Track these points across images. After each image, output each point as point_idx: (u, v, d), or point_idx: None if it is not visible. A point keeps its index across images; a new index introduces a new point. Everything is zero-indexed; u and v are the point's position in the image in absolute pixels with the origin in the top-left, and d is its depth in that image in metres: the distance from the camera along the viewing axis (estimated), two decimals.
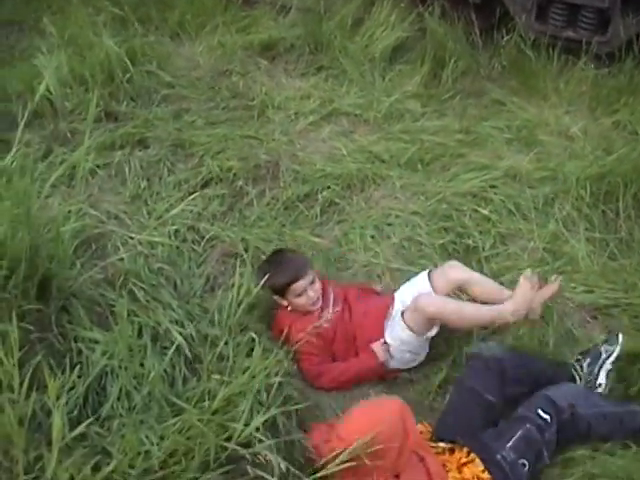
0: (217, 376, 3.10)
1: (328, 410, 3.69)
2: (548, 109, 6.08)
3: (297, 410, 3.31)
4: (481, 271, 4.32)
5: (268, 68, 6.43)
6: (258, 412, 2.97)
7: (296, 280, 3.83)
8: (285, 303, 3.85)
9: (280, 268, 3.83)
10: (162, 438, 2.75)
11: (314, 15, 6.83)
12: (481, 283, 4.07)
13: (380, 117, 5.74)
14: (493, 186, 4.97)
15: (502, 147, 5.51)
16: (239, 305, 3.70)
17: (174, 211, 4.38)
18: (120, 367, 3.09)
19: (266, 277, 3.68)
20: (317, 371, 3.75)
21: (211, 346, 3.42)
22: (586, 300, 4.30)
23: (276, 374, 3.27)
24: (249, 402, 2.98)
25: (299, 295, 3.86)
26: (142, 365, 3.12)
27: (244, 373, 3.13)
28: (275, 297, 3.90)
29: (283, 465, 2.81)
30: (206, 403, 2.95)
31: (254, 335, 3.48)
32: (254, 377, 3.12)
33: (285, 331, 3.58)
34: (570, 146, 5.57)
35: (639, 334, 4.06)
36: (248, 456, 2.80)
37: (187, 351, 3.33)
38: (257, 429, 2.88)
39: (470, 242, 4.59)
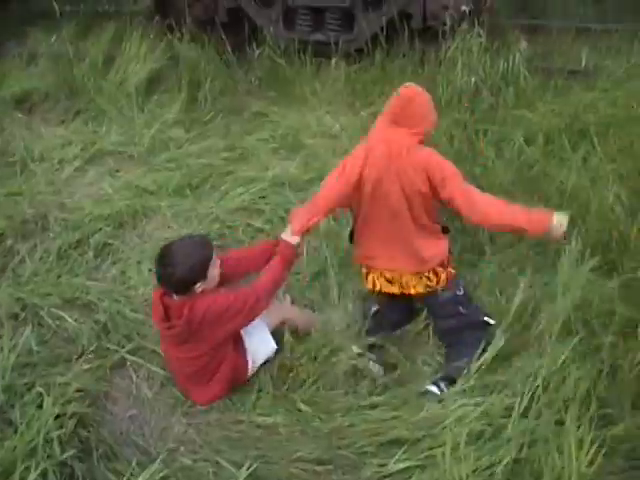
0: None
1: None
2: (309, 112, 6.25)
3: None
4: None
5: (25, 121, 6.29)
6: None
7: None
8: (200, 288, 3.45)
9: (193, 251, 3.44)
10: None
11: (64, 60, 6.73)
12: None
13: (144, 150, 5.72)
14: (262, 197, 5.06)
15: (269, 157, 5.61)
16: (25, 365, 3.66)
17: None
18: None
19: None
20: (249, 304, 3.49)
21: None
22: None
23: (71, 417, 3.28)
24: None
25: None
26: None
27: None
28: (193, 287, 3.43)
29: None
30: None
31: (41, 389, 3.41)
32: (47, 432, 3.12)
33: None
34: (334, 144, 5.74)
35: None
36: None
37: None
38: None
39: None
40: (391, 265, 3.79)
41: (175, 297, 3.43)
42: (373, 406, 3.51)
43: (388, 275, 3.81)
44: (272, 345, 3.75)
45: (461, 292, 3.85)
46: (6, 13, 8.80)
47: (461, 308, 3.82)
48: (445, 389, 3.58)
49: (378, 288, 3.86)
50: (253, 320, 3.59)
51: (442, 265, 3.78)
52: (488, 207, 3.52)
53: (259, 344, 3.72)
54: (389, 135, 3.63)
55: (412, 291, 3.79)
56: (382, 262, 3.81)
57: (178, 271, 3.32)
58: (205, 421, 3.54)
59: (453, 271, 3.85)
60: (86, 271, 4.50)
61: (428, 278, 3.76)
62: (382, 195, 3.63)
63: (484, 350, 3.65)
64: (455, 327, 3.81)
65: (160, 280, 3.42)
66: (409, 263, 3.74)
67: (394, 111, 3.65)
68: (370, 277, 3.89)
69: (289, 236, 3.68)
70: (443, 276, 3.77)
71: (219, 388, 3.62)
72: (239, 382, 3.69)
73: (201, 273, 3.40)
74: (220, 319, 3.44)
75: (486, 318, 3.83)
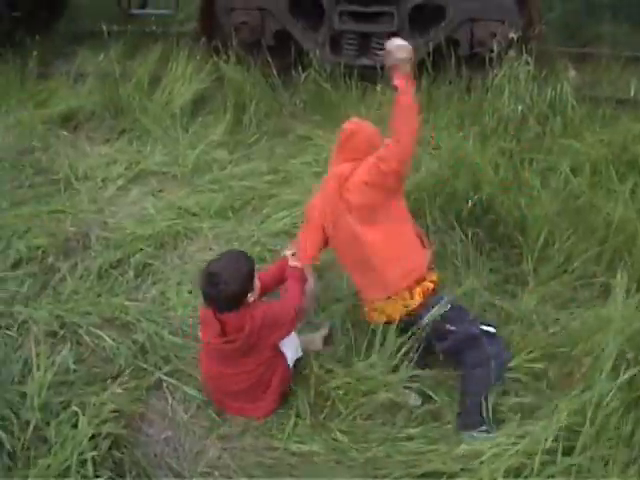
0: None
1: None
2: None
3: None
4: None
5: (70, 139, 6.35)
6: None
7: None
8: (251, 298, 3.52)
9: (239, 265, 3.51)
10: None
11: (111, 80, 6.80)
12: None
13: (188, 171, 5.73)
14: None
15: (312, 181, 5.57)
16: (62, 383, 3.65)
17: None
18: None
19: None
20: (291, 315, 3.60)
21: (34, 430, 3.31)
22: None
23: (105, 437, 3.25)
24: None
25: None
26: None
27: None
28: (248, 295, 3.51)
29: None
30: None
31: (76, 409, 3.39)
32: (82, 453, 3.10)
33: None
34: None
35: None
36: None
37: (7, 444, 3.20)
38: None
39: None
40: (366, 295, 3.79)
41: (227, 313, 3.44)
42: (409, 438, 3.45)
43: (373, 305, 3.77)
44: (300, 350, 3.78)
45: (447, 308, 3.66)
46: (55, 32, 8.97)
47: (449, 326, 3.62)
48: (479, 435, 3.44)
49: (375, 320, 3.79)
50: (293, 330, 3.68)
51: (417, 282, 3.68)
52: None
53: (291, 350, 3.72)
54: (337, 170, 3.74)
55: (397, 317, 3.69)
56: (363, 294, 3.83)
57: (231, 287, 3.36)
58: (240, 446, 3.49)
59: (430, 285, 3.72)
60: (126, 291, 4.49)
61: (403, 298, 3.68)
62: (341, 228, 3.70)
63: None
64: (452, 347, 3.64)
65: (210, 299, 3.44)
66: (377, 290, 3.70)
67: (339, 146, 3.82)
68: (364, 310, 3.87)
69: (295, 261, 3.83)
70: (417, 293, 3.67)
71: (273, 399, 3.63)
72: (286, 390, 3.70)
73: (250, 284, 3.46)
74: (274, 326, 3.52)
75: (485, 327, 3.64)
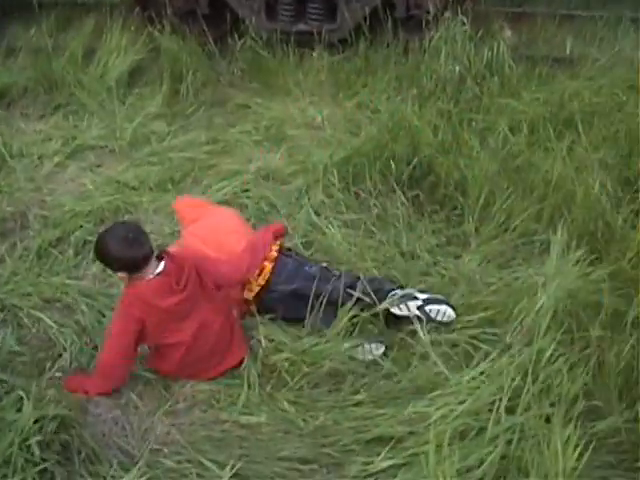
0: None
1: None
2: (292, 103, 6.18)
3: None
4: None
5: (4, 116, 6.17)
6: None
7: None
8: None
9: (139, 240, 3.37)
10: None
11: (43, 54, 6.62)
12: None
13: (126, 144, 5.63)
14: (246, 190, 5.00)
15: (252, 150, 5.55)
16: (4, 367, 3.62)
17: None
18: None
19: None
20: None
21: None
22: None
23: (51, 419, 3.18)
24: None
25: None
26: None
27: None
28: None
29: None
30: None
31: (21, 393, 3.31)
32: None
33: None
34: (317, 135, 5.70)
35: None
36: None
37: None
38: None
39: None
40: None
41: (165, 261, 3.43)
42: (357, 404, 3.48)
43: None
44: None
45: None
46: None
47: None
48: None
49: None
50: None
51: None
52: None
53: None
54: None
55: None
56: None
57: (149, 239, 3.39)
58: (188, 421, 3.49)
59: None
60: (66, 269, 4.41)
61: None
62: None
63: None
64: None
65: (145, 257, 3.34)
66: None
67: None
68: None
69: None
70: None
71: (240, 336, 3.78)
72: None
73: None
74: (205, 259, 3.63)
75: None
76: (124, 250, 3.29)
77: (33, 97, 6.40)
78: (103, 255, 3.38)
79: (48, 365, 3.73)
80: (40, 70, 6.49)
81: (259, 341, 3.72)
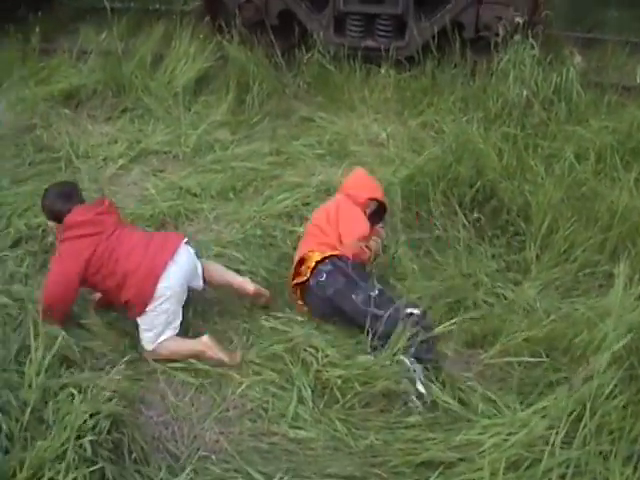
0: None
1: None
2: (356, 119, 6.20)
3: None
4: None
5: (72, 117, 6.28)
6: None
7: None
8: None
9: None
10: None
11: (113, 58, 6.74)
12: None
13: (189, 151, 5.70)
14: (306, 203, 5.00)
15: (314, 163, 5.57)
16: (61, 365, 3.60)
17: None
18: None
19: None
20: None
21: (32, 411, 3.27)
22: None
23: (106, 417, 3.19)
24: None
25: None
26: None
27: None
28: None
29: None
30: None
31: (74, 390, 3.34)
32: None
33: None
34: (380, 152, 5.69)
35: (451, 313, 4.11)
36: None
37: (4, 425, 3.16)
38: None
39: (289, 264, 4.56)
40: None
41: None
42: (408, 426, 3.43)
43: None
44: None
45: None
46: (58, 9, 8.89)
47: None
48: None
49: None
50: None
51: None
52: None
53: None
54: None
55: None
56: None
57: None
58: (237, 430, 3.48)
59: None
60: None
61: None
62: None
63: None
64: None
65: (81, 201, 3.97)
66: None
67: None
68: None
69: None
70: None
71: None
72: None
73: None
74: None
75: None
76: (55, 203, 3.89)
77: (101, 99, 6.53)
78: (41, 206, 3.98)
79: (105, 364, 3.75)
80: (109, 73, 6.62)
81: (313, 355, 3.69)
